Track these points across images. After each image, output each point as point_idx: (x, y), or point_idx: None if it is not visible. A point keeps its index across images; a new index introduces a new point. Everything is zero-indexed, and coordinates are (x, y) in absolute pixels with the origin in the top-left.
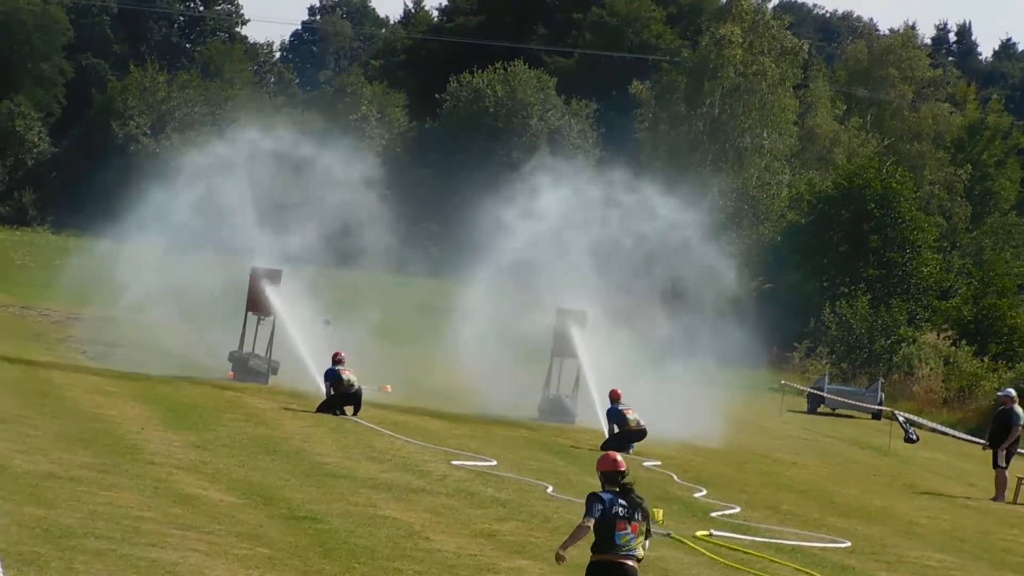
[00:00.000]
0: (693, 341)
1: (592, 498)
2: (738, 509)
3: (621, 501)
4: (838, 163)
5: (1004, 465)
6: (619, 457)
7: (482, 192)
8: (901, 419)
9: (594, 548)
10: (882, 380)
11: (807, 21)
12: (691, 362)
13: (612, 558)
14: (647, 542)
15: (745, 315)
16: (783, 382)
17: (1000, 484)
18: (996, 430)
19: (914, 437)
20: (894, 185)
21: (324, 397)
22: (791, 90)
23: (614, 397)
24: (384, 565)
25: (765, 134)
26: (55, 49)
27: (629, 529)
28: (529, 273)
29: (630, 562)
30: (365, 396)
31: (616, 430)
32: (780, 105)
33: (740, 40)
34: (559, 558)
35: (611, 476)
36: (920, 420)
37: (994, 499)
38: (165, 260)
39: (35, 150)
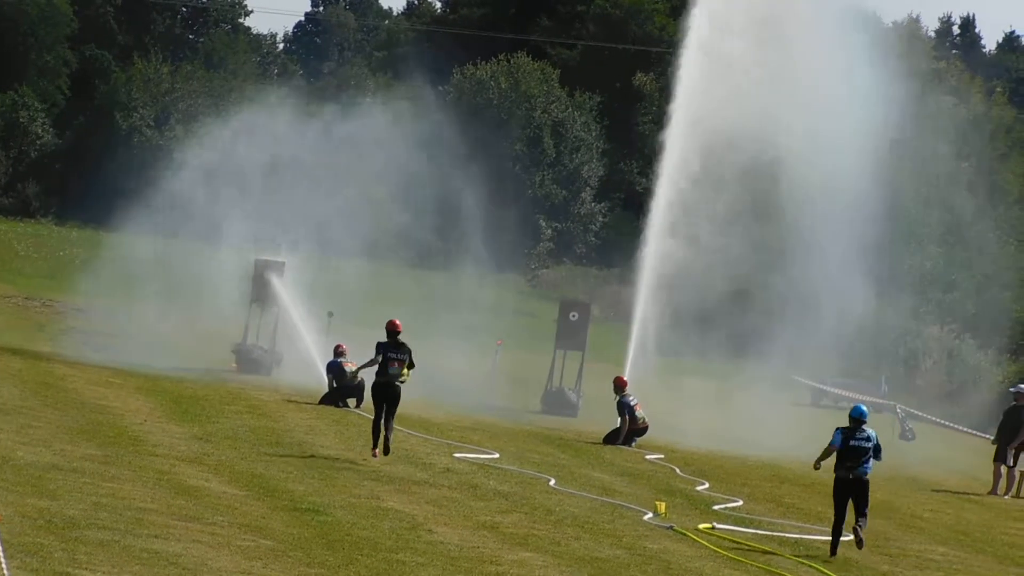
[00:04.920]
0: (702, 334)
1: (378, 345)
2: (740, 502)
3: (393, 347)
4: None
5: (1013, 464)
6: (398, 321)
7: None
8: (901, 415)
9: (377, 374)
10: (885, 375)
11: None
12: (701, 356)
13: (386, 380)
14: (409, 372)
15: (750, 307)
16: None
17: (997, 478)
18: (1006, 427)
19: (909, 436)
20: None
21: (327, 389)
22: None
23: (620, 384)
24: (387, 557)
25: None
26: (59, 39)
27: (396, 364)
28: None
29: (396, 382)
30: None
31: (626, 420)
32: None
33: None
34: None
35: (390, 332)
36: (922, 414)
37: (991, 493)
38: (167, 251)
39: (39, 141)
